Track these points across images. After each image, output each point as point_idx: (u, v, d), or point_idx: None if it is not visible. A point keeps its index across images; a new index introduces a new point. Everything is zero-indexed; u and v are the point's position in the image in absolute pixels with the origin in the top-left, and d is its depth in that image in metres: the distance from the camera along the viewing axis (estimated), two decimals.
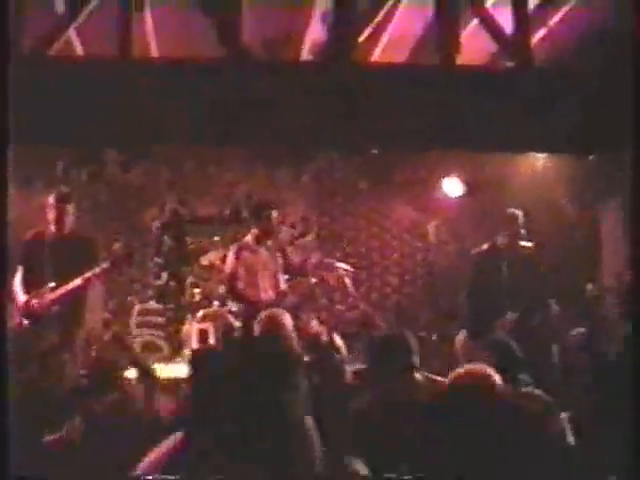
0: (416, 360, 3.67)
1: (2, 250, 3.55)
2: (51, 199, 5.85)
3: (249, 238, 6.35)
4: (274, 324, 4.83)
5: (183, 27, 5.90)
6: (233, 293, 6.31)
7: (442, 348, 7.05)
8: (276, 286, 6.22)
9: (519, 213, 6.00)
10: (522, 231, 5.93)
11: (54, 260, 5.82)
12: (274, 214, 6.29)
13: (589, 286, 6.78)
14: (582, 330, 4.95)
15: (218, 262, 8.33)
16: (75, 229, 5.97)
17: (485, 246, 6.16)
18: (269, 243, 6.27)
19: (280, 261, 6.32)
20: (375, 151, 6.58)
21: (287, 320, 4.90)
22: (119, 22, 5.24)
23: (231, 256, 6.34)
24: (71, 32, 5.82)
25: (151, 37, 6.37)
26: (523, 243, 6.00)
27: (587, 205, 6.63)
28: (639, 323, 3.52)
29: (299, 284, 6.40)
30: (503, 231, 5.98)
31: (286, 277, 6.32)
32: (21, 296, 5.85)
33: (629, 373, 3.01)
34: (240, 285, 6.20)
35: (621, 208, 6.04)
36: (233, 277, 6.24)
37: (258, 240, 6.25)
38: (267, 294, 6.13)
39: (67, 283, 5.71)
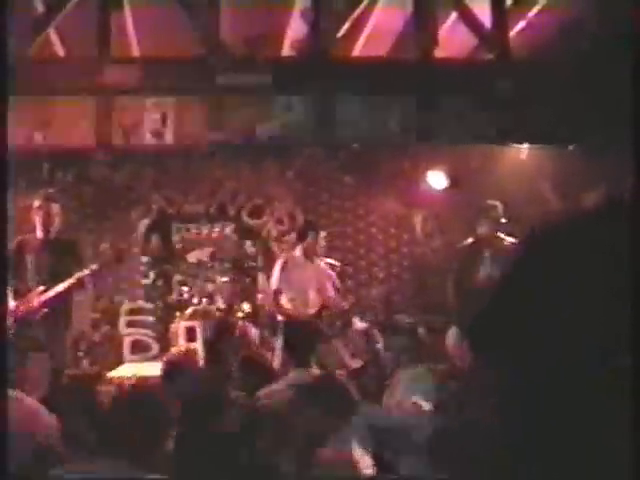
0: None
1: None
2: (37, 201, 5.84)
3: (295, 252, 6.42)
4: None
5: (163, 25, 5.90)
6: (278, 307, 6.36)
7: (429, 342, 7.07)
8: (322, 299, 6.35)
9: (498, 204, 6.07)
10: (502, 220, 5.98)
11: (41, 264, 5.82)
12: (321, 234, 6.50)
13: None
14: None
15: (205, 259, 8.36)
16: (61, 231, 5.96)
17: (469, 240, 6.22)
18: (314, 259, 6.39)
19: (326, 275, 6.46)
20: (356, 145, 6.59)
21: None
22: (99, 21, 5.27)
23: (277, 270, 6.39)
24: (51, 32, 5.83)
25: (132, 36, 6.38)
26: (505, 237, 6.04)
27: (570, 196, 6.66)
28: None
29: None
30: (482, 221, 6.05)
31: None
32: (10, 302, 5.86)
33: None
34: (285, 298, 6.28)
35: (604, 198, 6.04)
36: (278, 291, 6.31)
37: (306, 255, 6.33)
38: (312, 307, 6.28)
39: (55, 286, 5.71)
